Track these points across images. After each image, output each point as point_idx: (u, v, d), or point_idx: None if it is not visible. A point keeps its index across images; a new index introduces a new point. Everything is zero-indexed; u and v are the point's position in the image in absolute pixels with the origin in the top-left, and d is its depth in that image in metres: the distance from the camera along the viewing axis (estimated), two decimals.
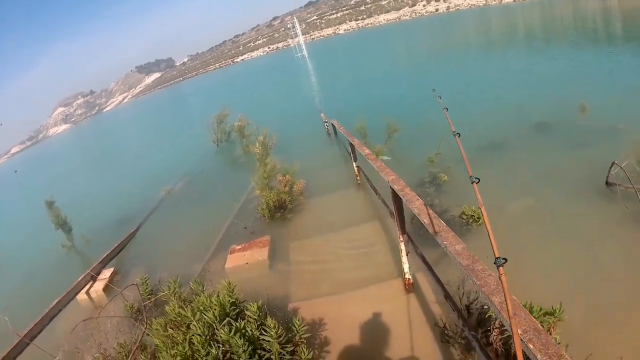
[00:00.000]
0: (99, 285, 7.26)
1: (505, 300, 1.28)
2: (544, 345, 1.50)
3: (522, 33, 29.95)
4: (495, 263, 1.31)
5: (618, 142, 6.43)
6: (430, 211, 2.76)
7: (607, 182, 5.54)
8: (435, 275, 3.85)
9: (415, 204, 3.00)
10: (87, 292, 7.19)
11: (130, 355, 3.73)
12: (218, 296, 3.82)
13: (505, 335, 2.70)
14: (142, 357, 3.72)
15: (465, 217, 5.48)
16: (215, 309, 3.64)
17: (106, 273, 7.46)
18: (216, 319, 3.55)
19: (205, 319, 3.58)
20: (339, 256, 5.67)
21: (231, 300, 3.80)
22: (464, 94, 12.88)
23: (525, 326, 1.61)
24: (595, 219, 4.99)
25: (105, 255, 7.69)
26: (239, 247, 6.33)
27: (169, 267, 6.84)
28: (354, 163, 7.90)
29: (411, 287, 4.44)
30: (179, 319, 3.81)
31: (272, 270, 5.94)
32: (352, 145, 7.28)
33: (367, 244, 5.79)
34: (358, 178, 7.96)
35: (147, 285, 6.08)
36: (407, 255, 4.35)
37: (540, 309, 2.90)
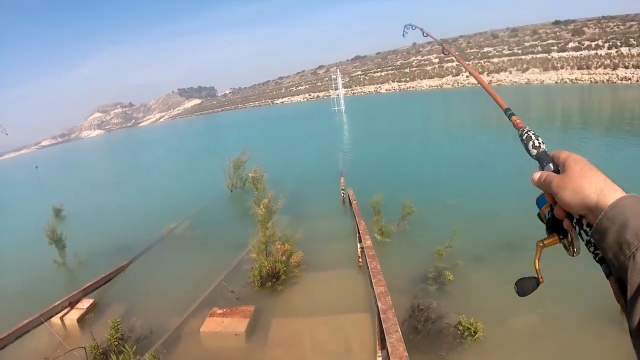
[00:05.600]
0: (75, 314, 7.06)
1: None
2: None
3: (558, 116, 28.75)
4: None
5: None
6: (405, 354, 2.52)
7: None
8: None
9: (392, 337, 2.76)
10: (62, 319, 6.99)
11: None
12: None
13: None
14: None
15: (461, 328, 5.13)
16: None
17: (85, 303, 7.25)
18: None
19: None
20: (317, 346, 5.38)
21: None
22: (489, 179, 12.49)
23: None
24: (604, 352, 4.50)
25: (89, 284, 7.52)
26: (221, 311, 6.06)
27: (147, 313, 6.64)
28: (358, 244, 7.64)
29: None
30: None
31: (248, 344, 5.64)
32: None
33: (351, 338, 5.45)
34: (360, 260, 7.65)
35: (117, 330, 5.86)
36: None
37: None
